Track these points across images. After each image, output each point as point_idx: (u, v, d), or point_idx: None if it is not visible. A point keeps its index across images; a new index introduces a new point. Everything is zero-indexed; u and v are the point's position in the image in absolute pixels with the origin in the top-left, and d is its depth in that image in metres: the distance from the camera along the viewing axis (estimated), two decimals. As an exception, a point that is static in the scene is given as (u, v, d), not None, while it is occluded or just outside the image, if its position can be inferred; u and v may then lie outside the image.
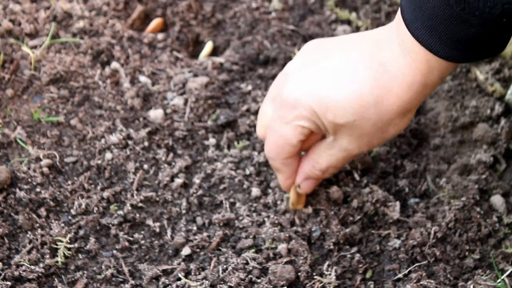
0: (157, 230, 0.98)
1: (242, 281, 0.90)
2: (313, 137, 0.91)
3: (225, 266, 0.93)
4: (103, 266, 0.94)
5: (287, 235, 0.95)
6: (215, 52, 1.22)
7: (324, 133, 0.87)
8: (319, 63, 0.82)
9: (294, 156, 0.90)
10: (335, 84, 0.79)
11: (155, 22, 1.23)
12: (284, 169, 0.91)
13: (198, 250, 0.96)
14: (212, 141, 1.08)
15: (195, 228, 0.99)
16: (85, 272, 0.94)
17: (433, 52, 0.74)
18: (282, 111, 0.84)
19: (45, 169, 1.02)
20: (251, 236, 0.97)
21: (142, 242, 0.97)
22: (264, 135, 0.91)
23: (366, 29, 1.24)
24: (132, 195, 1.01)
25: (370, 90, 0.78)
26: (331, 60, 0.82)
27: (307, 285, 0.91)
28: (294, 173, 0.92)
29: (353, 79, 0.79)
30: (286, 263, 0.93)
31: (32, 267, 0.92)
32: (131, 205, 1.00)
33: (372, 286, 0.92)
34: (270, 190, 1.03)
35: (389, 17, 1.25)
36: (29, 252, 0.95)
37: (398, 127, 0.82)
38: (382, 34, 0.79)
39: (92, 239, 0.96)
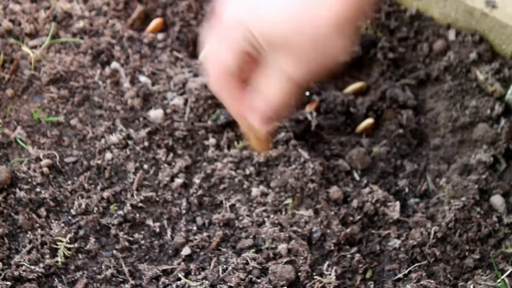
0: (157, 230, 0.98)
1: (242, 281, 0.90)
2: (253, 66, 0.85)
3: (225, 266, 0.93)
4: (103, 266, 0.94)
5: (287, 235, 0.95)
6: (215, 52, 1.22)
7: (262, 56, 0.81)
8: None
9: (235, 82, 0.84)
10: (269, 2, 0.76)
11: (155, 22, 1.23)
12: (228, 96, 0.85)
13: (198, 250, 0.96)
14: (212, 141, 1.08)
15: (195, 228, 0.99)
16: (85, 272, 0.94)
17: None
18: (220, 33, 0.80)
19: (45, 169, 1.02)
20: (251, 236, 0.97)
21: (142, 242, 0.97)
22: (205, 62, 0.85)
23: (366, 29, 1.24)
24: (132, 195, 1.01)
25: (302, 2, 0.75)
26: None
27: (307, 285, 0.91)
28: (240, 99, 0.85)
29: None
30: (286, 263, 0.93)
31: (32, 267, 0.92)
32: (131, 205, 1.00)
33: (372, 286, 0.92)
34: (270, 190, 1.03)
35: (389, 17, 1.25)
36: (29, 252, 0.95)
37: (336, 46, 0.78)
38: None
39: (92, 239, 0.96)
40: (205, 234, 0.97)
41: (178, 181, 1.03)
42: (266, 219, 0.98)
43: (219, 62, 0.82)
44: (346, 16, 0.76)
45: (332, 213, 0.97)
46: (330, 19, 0.75)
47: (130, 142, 1.06)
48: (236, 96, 0.85)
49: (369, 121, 1.11)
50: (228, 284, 0.90)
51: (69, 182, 1.02)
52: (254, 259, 0.92)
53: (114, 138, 1.06)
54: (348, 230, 0.96)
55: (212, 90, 0.86)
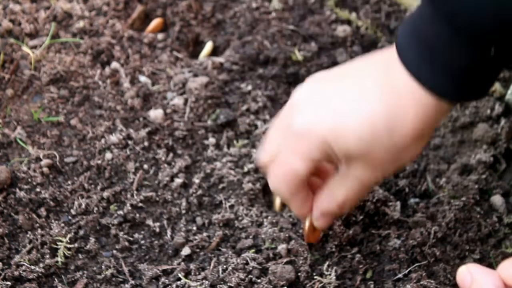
0: (157, 230, 0.98)
1: (242, 281, 0.90)
2: (325, 170, 0.88)
3: (225, 266, 0.93)
4: (103, 266, 0.94)
5: (287, 235, 0.95)
6: (215, 52, 1.22)
7: (336, 163, 0.83)
8: (328, 92, 0.79)
9: (303, 187, 0.85)
10: (347, 112, 0.76)
11: (155, 22, 1.23)
12: (294, 199, 0.86)
13: (198, 250, 0.96)
14: (211, 140, 1.08)
15: (195, 228, 0.99)
16: (85, 272, 0.94)
17: (427, 87, 0.74)
18: (292, 141, 0.80)
19: (45, 169, 1.02)
20: (251, 236, 0.97)
21: (142, 242, 0.97)
22: (267, 163, 0.85)
23: (366, 29, 1.24)
24: (132, 195, 1.01)
25: (383, 116, 0.75)
26: (340, 89, 0.79)
27: (307, 285, 0.91)
28: (306, 201, 0.87)
29: (365, 106, 0.76)
30: (286, 263, 0.93)
31: (32, 267, 0.92)
32: (131, 205, 1.00)
33: (372, 286, 0.92)
34: (269, 189, 1.03)
35: (389, 17, 1.25)
36: (29, 252, 0.95)
37: (413, 153, 0.79)
38: (391, 57, 0.76)
39: (92, 239, 0.96)
40: (204, 234, 0.97)
41: (178, 181, 1.03)
42: (265, 219, 0.98)
43: (291, 172, 0.81)
44: (425, 128, 0.77)
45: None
46: (410, 131, 0.76)
47: (130, 142, 1.06)
48: (302, 197, 0.85)
49: None
50: (228, 284, 0.90)
51: (69, 182, 1.02)
52: (254, 259, 0.92)
53: (114, 138, 1.06)
54: (350, 231, 0.96)
55: (272, 189, 0.86)
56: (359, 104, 0.76)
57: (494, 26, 0.67)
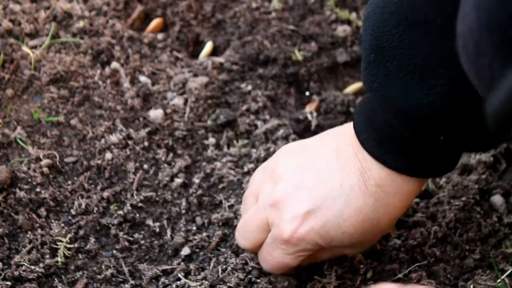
0: (157, 230, 0.98)
1: (242, 281, 0.90)
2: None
3: (224, 266, 0.93)
4: (103, 266, 0.94)
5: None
6: (215, 52, 1.22)
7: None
8: (314, 188, 0.82)
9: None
10: (337, 217, 0.81)
11: (155, 22, 1.23)
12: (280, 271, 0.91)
13: (197, 250, 0.96)
14: (211, 140, 1.08)
15: (194, 228, 0.99)
16: (85, 272, 0.94)
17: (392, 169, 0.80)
18: (283, 245, 0.84)
19: (45, 169, 1.02)
20: (251, 236, 0.97)
21: (142, 242, 0.97)
22: (250, 250, 0.91)
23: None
24: (132, 195, 1.01)
25: (372, 213, 0.81)
26: (326, 184, 0.82)
27: (307, 285, 0.91)
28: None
29: (354, 207, 0.80)
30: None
31: (32, 267, 0.92)
32: (131, 205, 1.00)
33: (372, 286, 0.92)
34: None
35: (389, 17, 1.25)
36: (29, 252, 0.95)
37: (393, 226, 0.91)
38: (363, 151, 0.80)
39: (92, 239, 0.96)
40: (204, 234, 0.97)
41: (178, 181, 1.03)
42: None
43: (285, 267, 0.87)
44: (407, 206, 0.85)
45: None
46: (394, 218, 0.84)
47: (130, 142, 1.06)
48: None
49: None
50: (228, 284, 0.90)
51: (69, 182, 1.02)
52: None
53: (114, 138, 1.06)
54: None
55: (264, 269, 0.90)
56: (346, 207, 0.80)
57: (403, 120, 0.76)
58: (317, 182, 0.82)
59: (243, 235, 0.89)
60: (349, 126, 0.83)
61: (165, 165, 1.05)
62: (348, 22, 1.25)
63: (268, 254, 0.87)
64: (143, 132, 1.07)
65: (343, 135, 0.84)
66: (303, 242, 0.83)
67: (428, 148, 0.77)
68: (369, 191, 0.80)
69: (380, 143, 0.78)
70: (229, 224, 0.99)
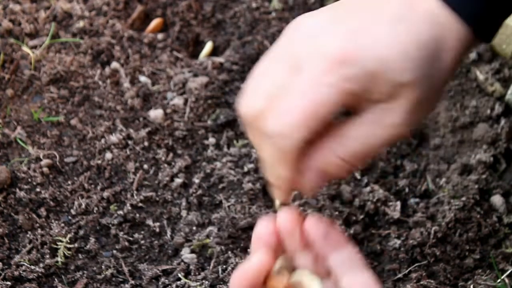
0: (157, 230, 0.98)
1: (242, 281, 0.90)
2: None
3: (224, 266, 0.93)
4: (103, 266, 0.94)
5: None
6: (215, 52, 1.22)
7: (368, 102, 0.64)
8: (354, 19, 0.63)
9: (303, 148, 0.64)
10: (392, 36, 0.62)
11: (155, 22, 1.23)
12: (290, 167, 0.64)
13: (197, 250, 0.96)
14: (211, 140, 1.08)
15: (194, 228, 0.99)
16: (85, 272, 0.94)
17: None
18: (325, 70, 0.60)
19: (45, 169, 1.02)
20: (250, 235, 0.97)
21: (142, 242, 0.97)
22: (262, 109, 0.63)
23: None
24: (132, 195, 1.01)
25: (429, 39, 0.63)
26: (368, 17, 0.64)
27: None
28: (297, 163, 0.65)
29: (408, 28, 0.62)
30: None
31: (32, 267, 0.92)
32: (131, 205, 1.00)
33: (372, 286, 0.92)
34: (269, 188, 1.03)
35: (389, 17, 1.25)
36: (29, 252, 0.95)
37: (440, 97, 0.67)
38: None
39: (92, 239, 0.96)
40: (204, 234, 0.97)
41: (178, 181, 1.03)
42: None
43: (319, 112, 0.61)
44: (458, 60, 0.66)
45: (336, 213, 0.97)
46: (451, 60, 0.65)
47: (130, 142, 1.06)
48: (293, 168, 0.65)
49: None
50: (228, 284, 0.90)
51: (69, 182, 1.02)
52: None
53: (114, 138, 1.06)
54: (351, 230, 0.96)
55: (282, 144, 0.62)
56: (403, 28, 0.62)
57: None
58: (359, 13, 0.64)
59: (254, 87, 0.65)
60: None
61: (165, 165, 1.05)
62: (348, 22, 1.24)
63: (293, 98, 0.61)
64: (143, 132, 1.07)
65: None
66: (355, 62, 0.61)
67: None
68: (422, 19, 0.62)
69: None
70: (229, 224, 0.98)
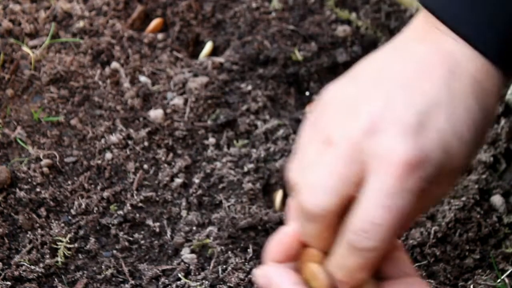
0: (157, 230, 0.98)
1: (242, 281, 0.90)
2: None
3: (224, 266, 0.93)
4: (103, 266, 0.94)
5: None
6: (215, 52, 1.22)
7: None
8: (405, 99, 0.58)
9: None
10: (450, 120, 0.58)
11: (155, 22, 1.23)
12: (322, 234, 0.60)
13: (198, 250, 0.96)
14: (211, 140, 1.08)
15: (194, 228, 0.99)
16: (85, 272, 0.94)
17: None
18: (400, 177, 0.55)
19: (45, 169, 1.02)
20: (251, 236, 0.97)
21: (142, 242, 0.97)
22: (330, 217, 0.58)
23: (366, 29, 1.24)
24: (132, 195, 1.01)
25: (479, 111, 0.60)
26: (417, 94, 0.58)
27: (307, 285, 0.91)
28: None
29: (461, 106, 0.59)
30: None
31: (32, 267, 0.92)
32: (131, 205, 1.00)
33: (372, 286, 0.92)
34: (269, 189, 1.03)
35: (389, 17, 1.25)
36: (29, 252, 0.95)
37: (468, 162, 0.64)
38: (445, 42, 0.61)
39: (92, 239, 0.96)
40: (204, 234, 0.97)
41: (178, 181, 1.03)
42: (265, 217, 0.98)
43: (401, 213, 0.56)
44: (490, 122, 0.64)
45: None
46: (490, 122, 0.63)
47: (130, 142, 1.06)
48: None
49: None
50: (228, 284, 0.90)
51: (69, 182, 1.02)
52: (252, 259, 0.93)
53: (114, 138, 1.06)
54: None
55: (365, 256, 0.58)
56: (453, 107, 0.58)
57: None
58: (402, 89, 0.59)
59: (324, 191, 0.58)
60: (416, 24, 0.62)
61: (165, 165, 1.05)
62: (348, 22, 1.25)
63: (366, 221, 0.56)
64: (143, 132, 1.07)
65: (413, 31, 0.62)
66: (427, 162, 0.56)
67: None
68: (466, 88, 0.59)
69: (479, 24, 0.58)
70: (229, 224, 0.98)
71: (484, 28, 0.59)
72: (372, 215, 0.56)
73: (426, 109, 0.58)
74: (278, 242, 0.62)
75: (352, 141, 0.57)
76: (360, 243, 0.56)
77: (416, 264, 0.93)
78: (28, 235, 0.96)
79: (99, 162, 1.04)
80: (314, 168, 0.59)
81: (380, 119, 0.57)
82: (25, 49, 1.14)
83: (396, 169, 0.55)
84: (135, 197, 1.01)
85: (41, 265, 0.93)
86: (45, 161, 1.02)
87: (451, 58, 0.59)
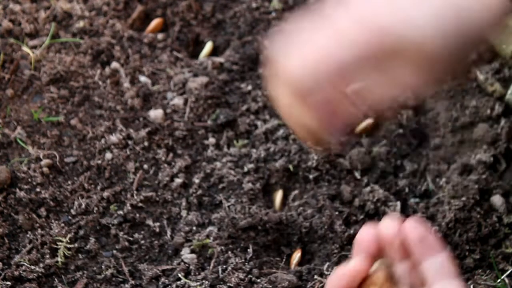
0: (157, 230, 0.98)
1: (242, 281, 0.90)
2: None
3: (224, 266, 0.93)
4: (103, 266, 0.94)
5: (287, 235, 0.95)
6: (215, 52, 1.22)
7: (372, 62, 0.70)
8: None
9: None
10: (416, 7, 0.66)
11: (155, 22, 1.23)
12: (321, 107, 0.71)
13: (197, 250, 0.96)
14: (211, 140, 1.08)
15: (194, 228, 0.99)
16: (85, 272, 0.94)
17: None
18: (337, 29, 0.67)
19: (45, 169, 1.02)
20: (251, 236, 0.97)
21: (142, 242, 0.97)
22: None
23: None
24: (132, 195, 1.01)
25: (454, 13, 0.67)
26: None
27: (307, 285, 0.91)
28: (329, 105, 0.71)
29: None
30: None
31: (32, 267, 0.92)
32: (131, 205, 1.00)
33: (372, 286, 0.92)
34: (269, 189, 1.03)
35: (389, 17, 1.25)
36: (29, 252, 0.95)
37: (471, 55, 0.74)
38: None
39: (92, 239, 0.96)
40: (204, 234, 0.97)
41: (178, 181, 1.03)
42: (265, 217, 0.98)
43: (331, 58, 0.68)
44: (492, 25, 0.71)
45: (336, 213, 0.97)
46: (479, 33, 0.70)
47: (130, 142, 1.06)
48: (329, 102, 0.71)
49: (369, 121, 1.11)
50: (228, 284, 0.90)
51: (69, 182, 1.02)
52: (253, 259, 0.93)
53: (114, 138, 1.06)
54: (351, 231, 0.96)
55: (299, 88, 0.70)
56: None
57: None
58: None
59: None
60: None
61: (165, 165, 1.05)
62: (348, 22, 1.24)
63: (313, 48, 0.69)
64: (143, 132, 1.07)
65: None
66: (385, 31, 0.66)
67: None
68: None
69: None
70: (229, 224, 0.98)
71: None
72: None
73: None
74: (339, 278, 0.67)
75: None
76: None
77: (416, 264, 0.93)
78: (28, 235, 0.96)
79: (99, 162, 1.04)
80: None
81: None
82: (25, 49, 1.14)
83: (343, 18, 0.68)
84: (135, 197, 1.01)
85: (41, 265, 0.93)
86: (45, 161, 1.02)
87: None
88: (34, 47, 1.15)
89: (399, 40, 0.67)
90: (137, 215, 0.99)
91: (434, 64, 0.69)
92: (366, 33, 0.68)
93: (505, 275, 0.91)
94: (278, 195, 1.03)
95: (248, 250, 0.95)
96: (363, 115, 0.73)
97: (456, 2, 0.68)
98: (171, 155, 1.06)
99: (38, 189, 1.00)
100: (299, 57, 0.70)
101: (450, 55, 0.69)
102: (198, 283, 0.91)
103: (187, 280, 0.92)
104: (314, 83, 0.69)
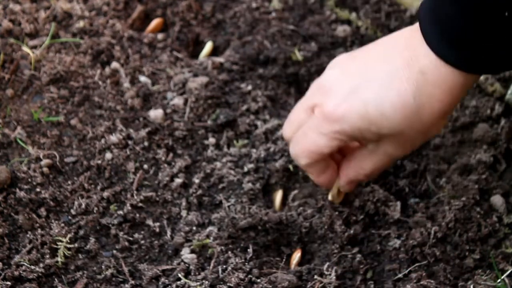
0: (157, 230, 0.98)
1: (242, 281, 0.90)
2: (346, 146, 0.94)
3: (224, 266, 0.93)
4: (103, 266, 0.94)
5: (287, 235, 0.95)
6: (215, 52, 1.22)
7: (363, 142, 0.89)
8: (358, 76, 0.84)
9: (323, 159, 0.91)
10: (378, 97, 0.82)
11: (155, 22, 1.23)
12: (312, 170, 0.92)
13: (197, 250, 0.96)
14: (211, 140, 1.08)
15: (194, 228, 0.99)
16: (85, 272, 0.94)
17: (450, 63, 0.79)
18: (321, 122, 0.85)
19: (45, 169, 1.02)
20: (251, 236, 0.97)
21: (142, 242, 0.97)
22: (289, 137, 0.91)
23: (366, 29, 1.24)
24: (132, 195, 1.01)
25: (414, 99, 0.81)
26: (369, 72, 0.84)
27: (307, 285, 0.91)
28: (323, 171, 0.93)
29: (396, 90, 0.81)
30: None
31: (32, 267, 0.92)
32: (131, 205, 1.00)
33: (372, 286, 0.92)
34: (269, 189, 1.03)
35: (389, 17, 1.25)
36: (29, 252, 0.95)
37: (439, 127, 0.87)
38: (414, 37, 0.81)
39: (92, 239, 0.96)
40: (204, 234, 0.97)
41: (178, 181, 1.03)
42: (265, 217, 0.98)
43: (315, 148, 0.87)
44: (452, 105, 0.83)
45: (336, 213, 0.97)
46: (438, 110, 0.82)
47: (130, 142, 1.06)
48: (320, 168, 0.92)
49: None
50: (228, 284, 0.90)
51: (69, 182, 1.02)
52: (253, 258, 0.92)
53: (114, 138, 1.06)
54: (351, 231, 0.96)
55: (293, 156, 0.91)
56: (391, 90, 0.81)
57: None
58: (364, 68, 0.84)
59: (288, 121, 0.92)
60: (404, 30, 0.86)
61: (165, 165, 1.05)
62: (348, 22, 1.25)
63: (303, 135, 0.88)
64: (143, 132, 1.07)
65: (398, 34, 0.86)
66: (342, 121, 0.83)
67: (482, 39, 0.76)
68: (412, 78, 0.80)
69: (435, 29, 0.78)
70: (229, 224, 0.99)
71: (436, 35, 0.78)
72: (297, 138, 0.90)
73: (363, 84, 0.83)
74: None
75: (313, 90, 0.89)
76: (293, 150, 0.91)
77: (416, 264, 0.93)
78: (28, 235, 0.96)
79: (99, 162, 1.04)
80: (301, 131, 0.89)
81: (335, 83, 0.86)
82: (25, 49, 1.14)
83: (320, 118, 0.85)
84: (135, 197, 1.01)
85: (41, 265, 0.93)
86: (45, 161, 1.02)
87: (414, 53, 0.81)
88: (34, 47, 1.15)
89: (372, 133, 0.84)
90: (137, 215, 0.99)
91: (407, 141, 0.86)
92: (346, 128, 0.84)
93: (505, 275, 0.91)
94: (278, 195, 1.03)
95: (248, 250, 0.95)
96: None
97: (417, 91, 0.81)
98: (171, 155, 1.06)
99: (38, 189, 1.00)
100: (295, 145, 0.90)
101: (416, 131, 0.84)
102: (198, 283, 0.91)
103: (187, 280, 0.92)
104: (308, 166, 0.91)
